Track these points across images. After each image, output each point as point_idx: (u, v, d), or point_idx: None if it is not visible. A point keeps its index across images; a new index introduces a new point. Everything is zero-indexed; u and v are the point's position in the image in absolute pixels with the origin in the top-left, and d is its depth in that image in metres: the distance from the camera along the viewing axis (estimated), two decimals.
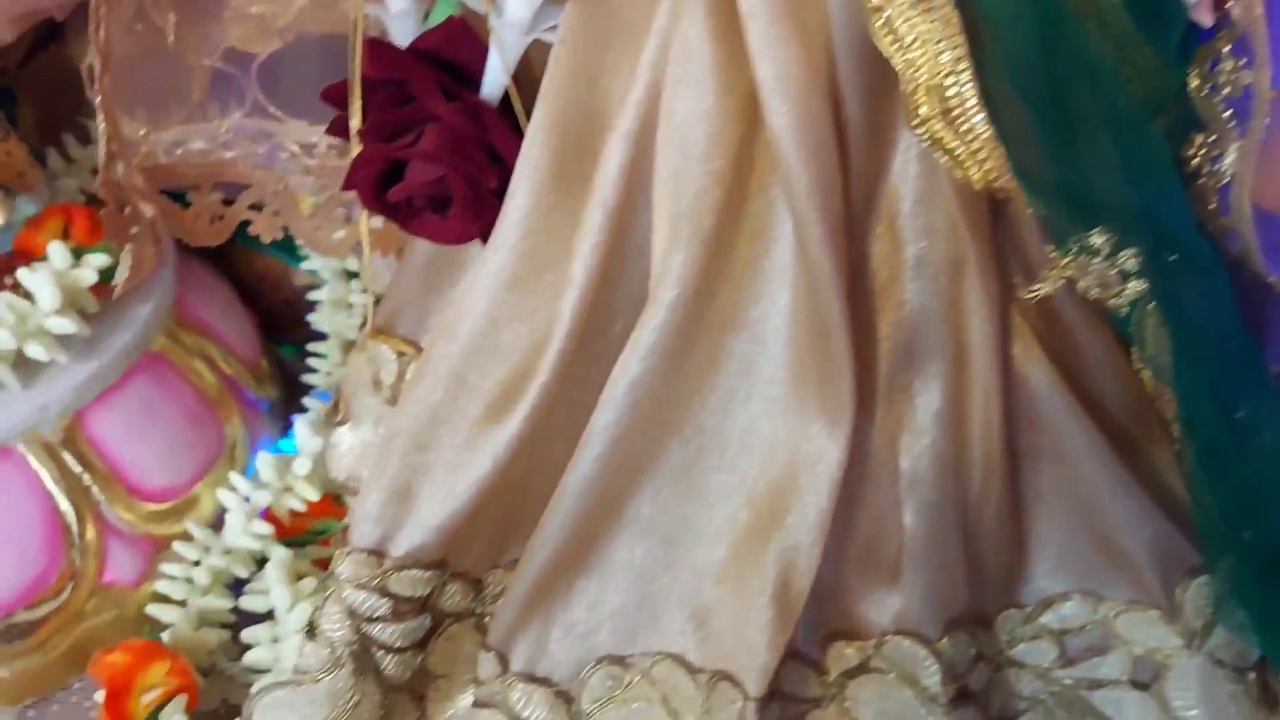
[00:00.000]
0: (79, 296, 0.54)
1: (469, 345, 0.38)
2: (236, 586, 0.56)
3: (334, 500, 0.60)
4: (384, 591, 0.39)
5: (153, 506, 0.55)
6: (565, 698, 0.38)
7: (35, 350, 0.52)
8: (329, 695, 0.39)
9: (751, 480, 0.37)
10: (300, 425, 0.60)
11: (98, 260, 0.55)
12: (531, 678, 0.38)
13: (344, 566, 0.39)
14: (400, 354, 0.48)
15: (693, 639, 0.37)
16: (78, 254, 0.55)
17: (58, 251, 0.54)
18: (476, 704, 0.39)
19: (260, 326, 0.68)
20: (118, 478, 0.54)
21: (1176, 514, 0.39)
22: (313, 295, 0.67)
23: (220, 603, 0.55)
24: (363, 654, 0.39)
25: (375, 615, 0.39)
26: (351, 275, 0.67)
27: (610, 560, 0.38)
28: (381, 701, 0.40)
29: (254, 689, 0.41)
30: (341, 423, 0.50)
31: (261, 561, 0.57)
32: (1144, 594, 0.39)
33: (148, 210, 0.49)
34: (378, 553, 0.39)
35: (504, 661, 0.38)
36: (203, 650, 0.53)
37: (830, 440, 0.36)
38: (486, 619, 0.41)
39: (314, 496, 0.58)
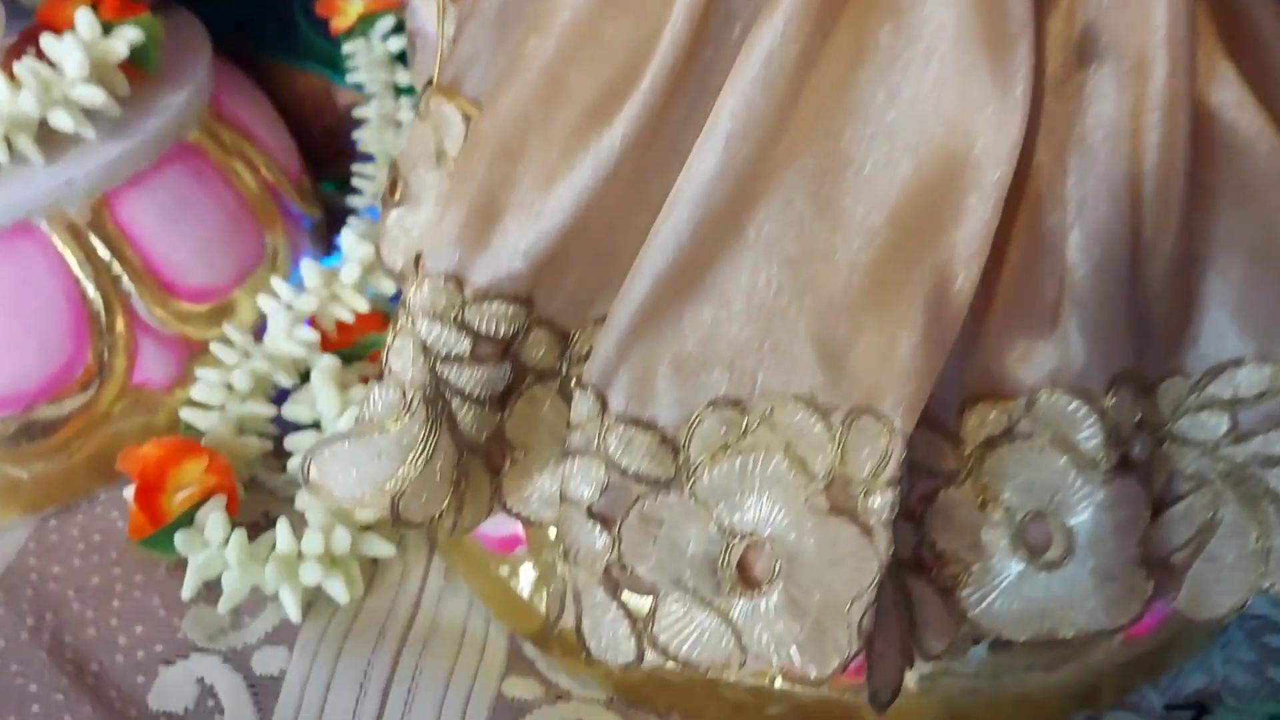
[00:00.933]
0: (108, 73, 0.49)
1: (566, 41, 0.33)
2: (279, 400, 0.51)
3: (383, 315, 0.55)
4: (463, 326, 0.34)
5: (188, 306, 0.50)
6: (671, 445, 0.33)
7: (60, 119, 0.47)
8: (397, 447, 0.34)
9: (895, 192, 0.31)
10: (347, 232, 0.55)
11: (130, 34, 0.50)
12: (634, 420, 0.33)
13: (418, 294, 0.34)
14: (466, 117, 0.43)
15: (823, 377, 0.32)
16: (108, 29, 0.50)
17: (85, 19, 0.49)
18: (569, 452, 0.33)
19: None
20: (150, 271, 0.49)
21: None
22: (359, 112, 0.62)
23: (261, 409, 0.50)
24: (436, 401, 0.34)
25: (452, 354, 0.34)
26: (401, 91, 0.62)
27: (729, 286, 0.32)
28: (456, 462, 0.35)
29: (312, 444, 0.36)
30: (399, 204, 0.44)
31: (306, 375, 0.52)
32: None
33: None
34: (457, 279, 0.34)
35: (602, 401, 0.33)
36: (241, 459, 0.49)
37: (998, 135, 0.30)
38: (572, 382, 0.36)
39: (362, 307, 0.54)
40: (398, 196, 0.44)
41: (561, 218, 0.33)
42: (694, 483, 0.32)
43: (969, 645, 0.39)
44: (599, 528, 0.33)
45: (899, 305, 0.31)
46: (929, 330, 0.30)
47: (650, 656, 0.33)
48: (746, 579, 0.32)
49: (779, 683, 0.40)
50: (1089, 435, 0.33)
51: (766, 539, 0.32)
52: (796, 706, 0.40)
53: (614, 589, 0.33)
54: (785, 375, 0.32)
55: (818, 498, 0.31)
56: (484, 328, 0.34)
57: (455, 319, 0.34)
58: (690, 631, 0.33)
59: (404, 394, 0.34)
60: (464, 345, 0.34)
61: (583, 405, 0.33)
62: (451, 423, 0.35)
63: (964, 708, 0.41)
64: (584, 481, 0.33)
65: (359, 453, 0.34)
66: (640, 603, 0.34)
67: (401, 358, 0.34)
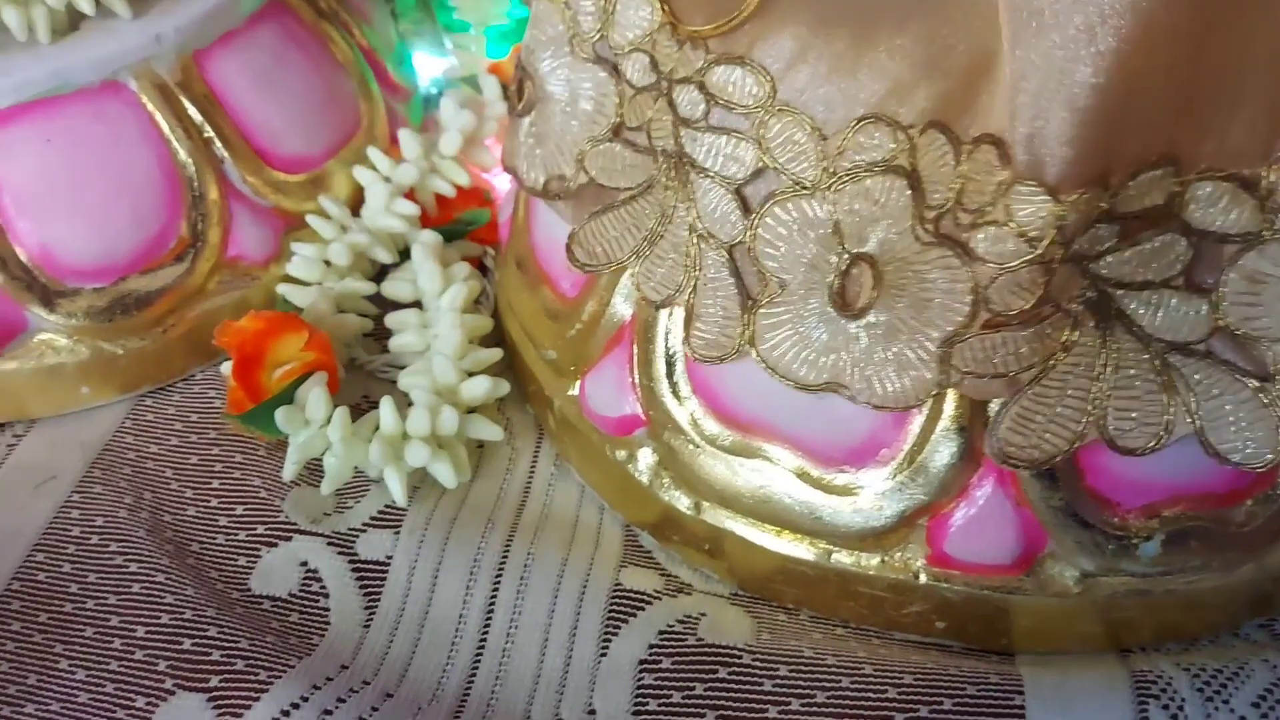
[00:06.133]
0: None
1: None
2: (378, 277, 0.49)
3: (484, 191, 0.52)
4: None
5: (282, 176, 0.47)
6: (820, 138, 0.32)
7: None
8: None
9: None
10: (446, 100, 0.52)
11: None
12: (790, 113, 0.31)
13: None
14: None
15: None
16: None
17: None
18: (721, 131, 0.33)
19: None
20: (243, 136, 0.46)
21: None
22: None
23: (359, 286, 0.47)
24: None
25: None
26: None
27: None
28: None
29: None
30: (525, 110, 0.40)
31: (405, 252, 0.49)
32: None
33: None
34: None
35: (771, 85, 0.32)
36: (340, 338, 0.46)
37: None
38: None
39: (463, 180, 0.50)
40: (524, 100, 0.40)
41: None
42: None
43: (1141, 540, 0.35)
44: (739, 209, 0.33)
45: None
46: None
47: (742, 348, 0.34)
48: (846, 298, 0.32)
49: (922, 578, 0.37)
50: None
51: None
52: (940, 604, 0.37)
53: (734, 270, 0.34)
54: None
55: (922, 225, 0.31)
56: None
57: None
58: (787, 337, 0.33)
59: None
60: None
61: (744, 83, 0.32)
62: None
63: (1124, 610, 0.37)
64: (736, 160, 0.33)
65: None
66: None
67: None
